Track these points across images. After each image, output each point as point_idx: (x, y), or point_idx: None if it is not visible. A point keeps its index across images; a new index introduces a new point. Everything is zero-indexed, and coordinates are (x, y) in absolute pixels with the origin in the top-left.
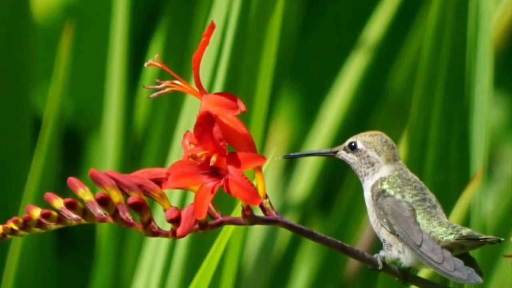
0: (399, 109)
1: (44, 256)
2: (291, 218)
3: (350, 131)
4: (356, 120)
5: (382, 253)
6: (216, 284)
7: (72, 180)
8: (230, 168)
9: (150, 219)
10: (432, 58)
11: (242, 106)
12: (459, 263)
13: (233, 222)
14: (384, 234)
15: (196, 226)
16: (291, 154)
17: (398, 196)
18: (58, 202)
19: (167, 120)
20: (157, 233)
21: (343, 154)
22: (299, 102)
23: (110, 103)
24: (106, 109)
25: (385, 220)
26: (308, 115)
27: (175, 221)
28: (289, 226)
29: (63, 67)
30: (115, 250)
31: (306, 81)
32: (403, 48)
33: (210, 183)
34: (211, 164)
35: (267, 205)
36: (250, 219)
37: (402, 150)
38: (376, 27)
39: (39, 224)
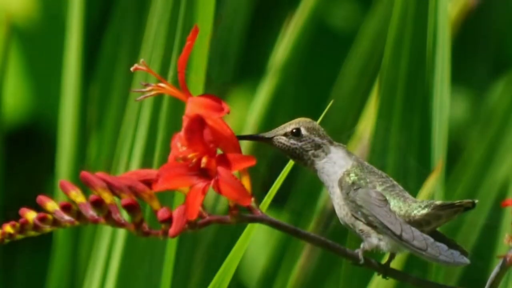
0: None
1: None
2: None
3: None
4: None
5: (362, 245)
6: None
7: (63, 182)
8: (220, 169)
9: (142, 220)
10: (391, 65)
11: (226, 108)
12: (443, 247)
13: (221, 221)
14: (360, 225)
15: (186, 225)
16: None
17: (368, 187)
18: (52, 205)
19: (117, 116)
20: (148, 233)
21: (282, 140)
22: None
23: (67, 102)
24: (62, 107)
25: (359, 213)
26: None
27: (167, 221)
28: (273, 224)
29: None
30: (71, 240)
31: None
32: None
33: (200, 184)
34: (202, 165)
35: (253, 204)
36: (237, 218)
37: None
38: None
39: (35, 227)
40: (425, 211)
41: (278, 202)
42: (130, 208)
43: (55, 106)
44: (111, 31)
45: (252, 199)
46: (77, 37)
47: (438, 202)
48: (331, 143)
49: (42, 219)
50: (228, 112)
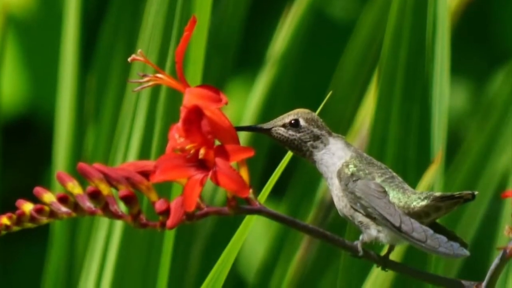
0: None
1: None
2: None
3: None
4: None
5: (361, 237)
6: None
7: (61, 174)
8: (218, 160)
9: (139, 211)
10: (391, 55)
11: (224, 99)
12: (443, 238)
13: (219, 212)
14: (359, 217)
15: (183, 217)
16: None
17: (367, 178)
18: (49, 196)
19: (115, 106)
20: (145, 225)
21: (281, 131)
22: None
23: (64, 93)
24: (60, 98)
25: (358, 205)
26: None
27: (165, 213)
28: (272, 216)
29: None
30: (68, 231)
31: None
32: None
33: (198, 175)
34: (200, 157)
35: (251, 196)
36: (235, 209)
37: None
38: None
39: (32, 219)
40: (424, 202)
41: (277, 193)
42: (128, 199)
43: (52, 97)
44: (109, 21)
45: (250, 190)
46: (74, 28)
47: (437, 194)
48: (330, 134)
49: (39, 211)
50: (226, 103)
